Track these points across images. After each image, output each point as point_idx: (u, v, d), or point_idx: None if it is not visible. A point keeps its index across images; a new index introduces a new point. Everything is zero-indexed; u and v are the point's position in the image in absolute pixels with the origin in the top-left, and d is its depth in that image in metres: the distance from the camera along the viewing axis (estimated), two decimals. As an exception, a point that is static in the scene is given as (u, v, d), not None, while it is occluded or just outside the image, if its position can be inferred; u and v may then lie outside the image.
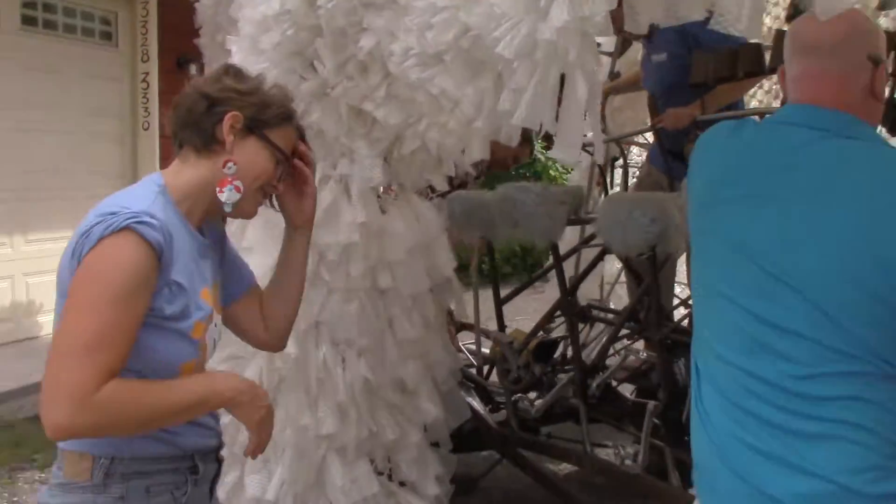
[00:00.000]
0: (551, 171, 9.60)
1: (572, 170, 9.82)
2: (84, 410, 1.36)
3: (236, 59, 2.87)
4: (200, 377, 1.57)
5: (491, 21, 2.01)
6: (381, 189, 2.80)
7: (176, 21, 7.04)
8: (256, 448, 1.64)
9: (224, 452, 2.78)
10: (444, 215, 2.98)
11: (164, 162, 7.12)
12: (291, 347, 2.66)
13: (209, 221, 1.71)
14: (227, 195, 1.58)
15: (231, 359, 2.78)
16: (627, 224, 2.69)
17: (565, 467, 4.12)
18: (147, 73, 6.94)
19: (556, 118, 1.91)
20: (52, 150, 6.20)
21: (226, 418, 2.84)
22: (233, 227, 2.83)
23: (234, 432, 2.74)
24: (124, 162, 6.95)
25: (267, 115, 1.62)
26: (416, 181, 2.87)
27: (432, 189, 3.04)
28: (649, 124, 3.98)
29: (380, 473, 2.85)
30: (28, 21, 6.09)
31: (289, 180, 1.73)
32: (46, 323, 6.30)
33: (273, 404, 2.73)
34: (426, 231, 2.86)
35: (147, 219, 1.44)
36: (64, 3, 6.38)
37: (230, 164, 1.58)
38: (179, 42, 7.12)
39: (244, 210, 1.64)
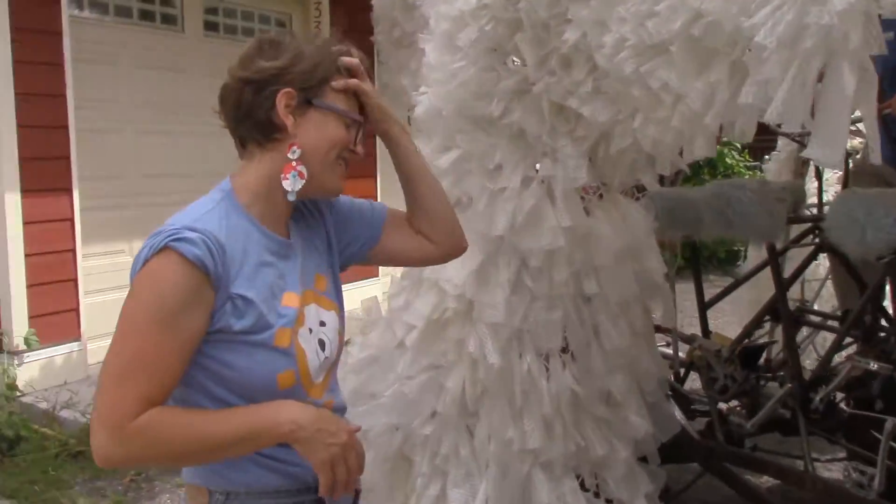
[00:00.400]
0: (727, 160, 9.12)
1: (745, 155, 9.32)
2: (119, 440, 1.29)
3: (431, 57, 2.79)
4: (258, 408, 1.39)
5: (731, 5, 1.80)
6: (586, 190, 2.64)
7: (347, 20, 7.11)
8: (327, 488, 1.40)
9: (424, 465, 2.74)
10: (651, 216, 2.78)
11: (337, 159, 7.25)
12: (494, 357, 2.55)
13: (312, 203, 1.60)
14: (290, 182, 1.44)
15: (430, 368, 2.70)
16: (867, 224, 2.42)
17: (766, 479, 3.84)
18: (320, 73, 7.03)
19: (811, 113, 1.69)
20: (231, 151, 6.37)
21: (426, 429, 2.80)
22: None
23: (434, 445, 2.67)
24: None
25: (318, 78, 1.46)
26: (624, 181, 2.69)
27: (638, 188, 2.85)
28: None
29: (586, 490, 2.70)
30: (210, 27, 6.28)
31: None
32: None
33: (475, 417, 2.68)
34: (634, 233, 2.68)
35: (187, 234, 1.33)
36: (242, 7, 6.55)
37: (294, 149, 1.44)
38: (350, 41, 7.19)
39: (327, 187, 1.51)
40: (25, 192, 4.79)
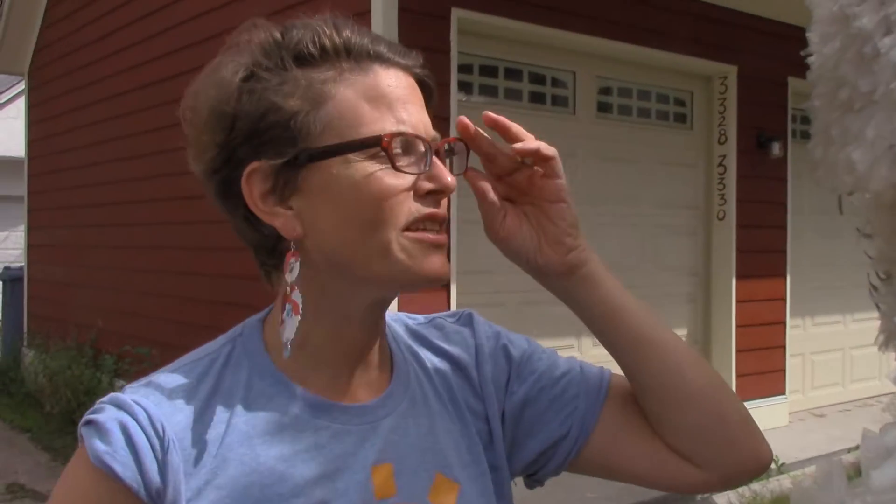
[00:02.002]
0: None
1: None
2: None
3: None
4: None
5: None
6: None
7: (757, 95, 6.18)
8: None
9: None
10: None
11: (741, 256, 6.26)
12: None
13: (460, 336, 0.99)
14: (285, 326, 0.83)
15: None
16: None
17: None
18: (724, 157, 6.13)
19: None
20: (621, 244, 5.70)
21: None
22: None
23: None
24: (696, 257, 6.19)
25: (298, 99, 0.81)
26: None
27: None
28: None
29: None
30: (603, 108, 5.71)
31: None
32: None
33: None
34: None
35: (99, 416, 0.77)
36: (639, 86, 5.90)
37: (292, 263, 0.84)
38: (761, 118, 6.26)
39: (411, 277, 0.84)
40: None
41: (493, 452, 0.95)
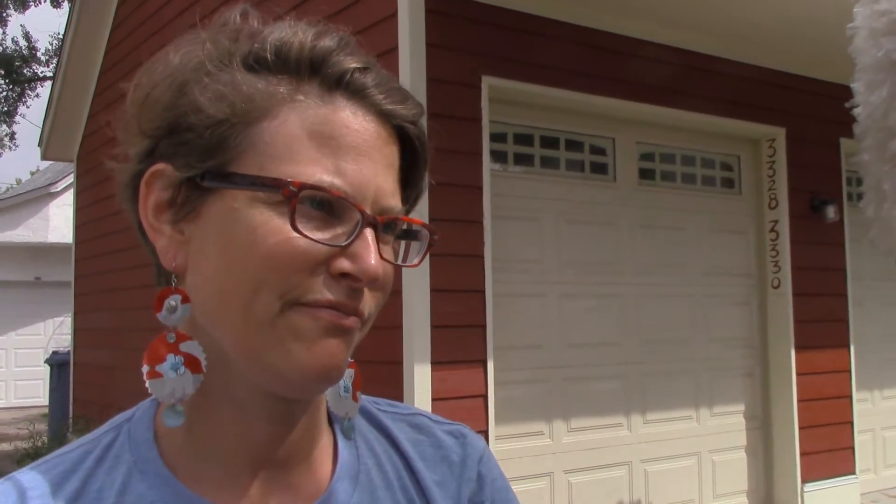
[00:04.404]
0: None
1: None
2: None
3: None
4: None
5: None
6: None
7: (808, 158, 5.92)
8: None
9: None
10: None
11: (799, 326, 5.91)
12: None
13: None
14: (159, 385, 0.66)
15: None
16: None
17: None
18: (776, 222, 5.85)
19: None
20: (671, 316, 5.42)
21: None
22: None
23: None
24: (752, 328, 5.86)
25: (228, 107, 0.65)
26: None
27: None
28: None
29: None
30: (645, 174, 5.51)
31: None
32: (667, 520, 5.35)
33: None
34: None
35: None
36: (682, 151, 5.70)
37: (171, 302, 0.67)
38: (813, 181, 5.98)
39: (281, 370, 0.64)
40: (435, 364, 4.24)
41: None
